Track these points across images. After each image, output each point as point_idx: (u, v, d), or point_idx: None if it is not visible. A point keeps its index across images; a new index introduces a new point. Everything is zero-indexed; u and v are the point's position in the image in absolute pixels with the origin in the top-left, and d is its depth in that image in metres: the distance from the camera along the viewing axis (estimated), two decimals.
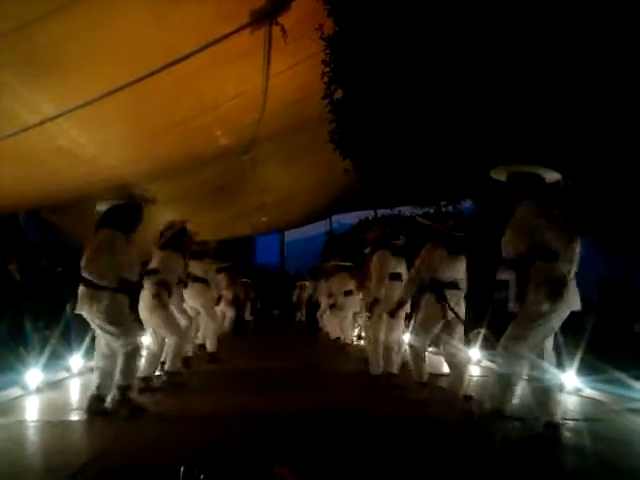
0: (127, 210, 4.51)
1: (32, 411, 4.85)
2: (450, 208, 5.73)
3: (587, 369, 5.44)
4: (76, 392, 5.71)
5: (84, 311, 4.38)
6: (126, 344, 4.40)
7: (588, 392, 5.24)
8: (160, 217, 9.37)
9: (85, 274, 4.28)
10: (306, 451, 3.54)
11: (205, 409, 4.78)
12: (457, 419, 4.54)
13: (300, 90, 6.53)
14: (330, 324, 11.11)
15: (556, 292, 3.61)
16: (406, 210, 11.18)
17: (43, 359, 5.72)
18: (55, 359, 6.13)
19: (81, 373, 6.43)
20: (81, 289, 4.37)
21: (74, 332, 6.80)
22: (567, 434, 4.02)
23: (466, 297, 5.12)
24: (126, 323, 4.46)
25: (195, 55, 4.57)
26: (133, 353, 4.49)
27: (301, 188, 11.70)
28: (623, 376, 5.09)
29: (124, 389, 4.43)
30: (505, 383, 4.01)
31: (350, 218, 16.16)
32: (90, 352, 6.88)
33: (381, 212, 14.77)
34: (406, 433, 4.09)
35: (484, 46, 4.14)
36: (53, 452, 3.58)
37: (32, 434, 4.14)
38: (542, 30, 3.86)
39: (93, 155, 5.50)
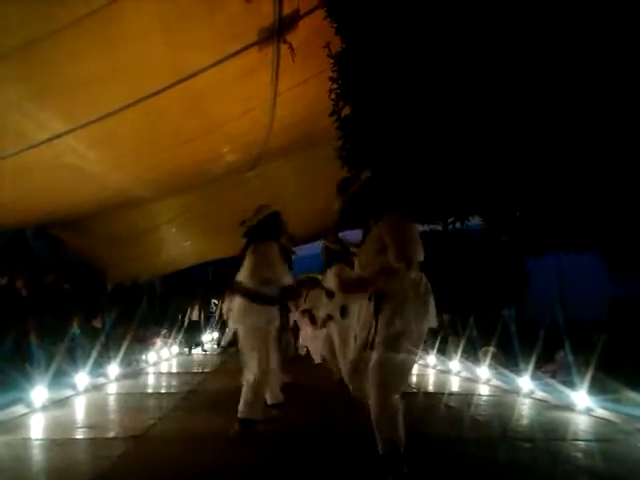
0: (272, 220, 4.70)
1: (37, 429, 4.81)
2: (458, 225, 5.68)
3: (598, 389, 5.37)
4: (82, 410, 5.67)
5: (242, 325, 4.46)
6: (258, 371, 4.32)
7: (599, 412, 5.16)
8: (168, 234, 9.44)
9: (250, 284, 4.40)
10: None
11: (214, 431, 4.59)
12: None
13: (308, 107, 6.56)
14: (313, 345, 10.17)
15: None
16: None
17: (49, 376, 5.69)
18: (61, 376, 6.10)
19: (87, 391, 6.39)
20: (240, 302, 4.46)
21: (80, 349, 6.78)
22: (578, 455, 3.95)
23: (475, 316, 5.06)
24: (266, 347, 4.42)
25: (203, 72, 4.60)
26: (262, 382, 4.39)
27: (308, 205, 11.71)
28: (635, 396, 5.02)
29: (247, 423, 4.32)
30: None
31: (358, 235, 16.11)
32: (95, 370, 6.87)
33: None
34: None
35: (495, 60, 4.14)
36: (57, 471, 3.53)
37: (37, 453, 4.09)
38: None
39: (101, 171, 5.51)
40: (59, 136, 4.48)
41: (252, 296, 4.41)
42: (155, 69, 4.41)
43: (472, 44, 4.18)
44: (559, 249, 7.53)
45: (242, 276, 4.54)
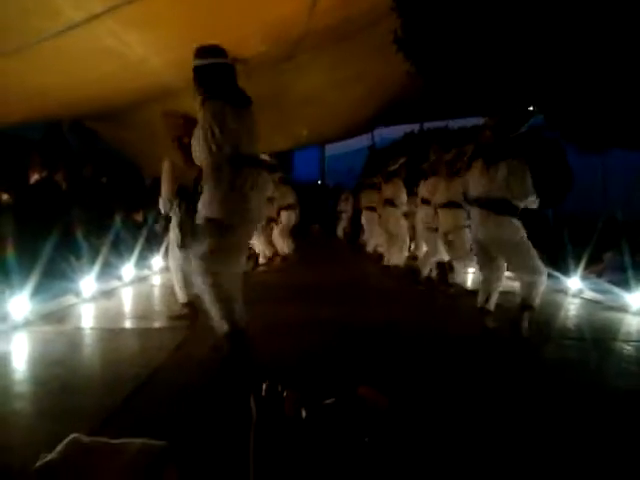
0: None
1: (90, 319, 4.89)
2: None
3: None
4: (132, 301, 5.76)
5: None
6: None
7: None
8: None
9: None
10: (379, 366, 3.47)
11: (268, 321, 4.56)
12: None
13: None
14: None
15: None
16: (456, 123, 10.76)
17: (95, 268, 5.75)
18: (106, 268, 6.16)
19: (133, 282, 6.48)
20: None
21: (124, 243, 6.81)
22: (633, 354, 3.88)
23: None
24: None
25: None
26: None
27: (345, 99, 11.20)
28: None
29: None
30: None
31: (394, 132, 15.56)
32: (140, 262, 6.93)
33: (427, 125, 14.24)
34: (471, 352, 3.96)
35: None
36: (123, 359, 3.56)
37: (97, 341, 4.15)
38: None
39: (140, 57, 5.19)
40: (97, 16, 4.16)
41: None
42: None
43: None
44: (620, 146, 7.14)
45: None
